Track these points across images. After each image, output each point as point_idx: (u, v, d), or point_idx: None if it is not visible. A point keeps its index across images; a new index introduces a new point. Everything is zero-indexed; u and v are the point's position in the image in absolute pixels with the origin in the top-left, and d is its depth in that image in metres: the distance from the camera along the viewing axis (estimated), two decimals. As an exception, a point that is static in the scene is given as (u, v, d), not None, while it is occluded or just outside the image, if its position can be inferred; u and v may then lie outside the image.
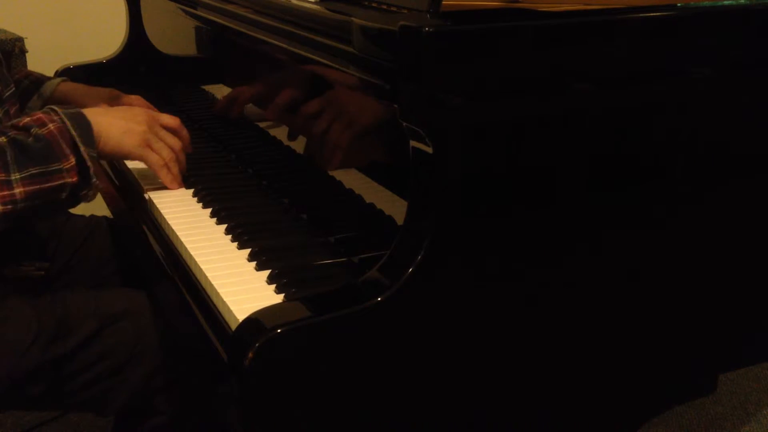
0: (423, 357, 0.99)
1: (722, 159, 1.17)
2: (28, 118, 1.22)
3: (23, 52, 2.43)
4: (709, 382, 1.27)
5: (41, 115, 1.22)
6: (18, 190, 1.15)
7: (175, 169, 1.40)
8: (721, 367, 1.31)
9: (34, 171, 1.16)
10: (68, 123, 1.21)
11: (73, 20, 2.70)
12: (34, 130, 1.19)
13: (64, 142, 1.20)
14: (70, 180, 1.20)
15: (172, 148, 1.39)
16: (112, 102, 1.63)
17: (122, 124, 1.31)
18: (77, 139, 1.21)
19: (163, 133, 1.39)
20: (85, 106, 1.50)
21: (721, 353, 1.27)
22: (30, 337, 1.25)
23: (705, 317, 1.22)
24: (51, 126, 1.20)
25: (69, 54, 2.25)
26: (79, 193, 1.23)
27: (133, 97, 1.68)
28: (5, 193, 1.14)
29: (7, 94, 1.38)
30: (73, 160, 1.20)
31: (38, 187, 1.17)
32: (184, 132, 1.43)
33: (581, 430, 1.17)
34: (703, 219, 1.16)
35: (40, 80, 1.65)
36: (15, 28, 2.50)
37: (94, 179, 1.24)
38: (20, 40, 2.43)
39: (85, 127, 1.23)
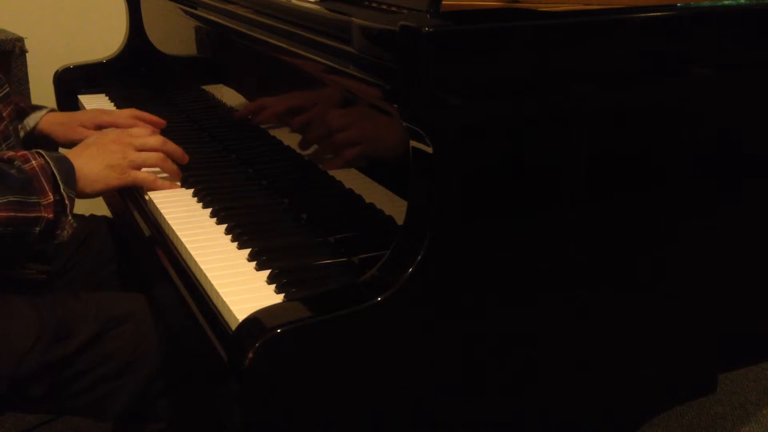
0: (423, 357, 0.99)
1: (722, 159, 1.17)
2: (13, 153, 1.24)
3: (23, 52, 2.44)
4: (709, 382, 1.27)
5: (25, 152, 1.24)
6: None
7: (169, 167, 1.42)
8: (721, 367, 1.31)
9: (12, 198, 1.17)
10: (51, 163, 1.24)
11: (73, 20, 2.70)
12: (17, 163, 1.22)
13: (45, 179, 1.22)
14: (46, 215, 1.21)
15: (156, 149, 1.41)
16: (97, 124, 1.62)
17: (101, 164, 1.34)
18: (59, 178, 1.23)
19: (140, 141, 1.41)
20: (67, 138, 1.58)
21: (721, 353, 1.27)
22: (31, 339, 1.25)
23: (705, 317, 1.21)
24: (34, 163, 1.22)
25: (69, 54, 2.26)
26: (54, 232, 1.24)
27: (124, 111, 1.64)
28: None
29: (1, 94, 1.39)
30: (51, 198, 1.21)
31: (14, 214, 1.17)
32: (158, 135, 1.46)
33: (581, 430, 1.17)
34: (703, 219, 1.16)
35: (24, 112, 1.63)
36: (15, 28, 2.50)
37: (70, 218, 1.25)
38: (20, 40, 2.43)
39: (68, 168, 1.25)
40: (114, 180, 1.36)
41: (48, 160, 1.24)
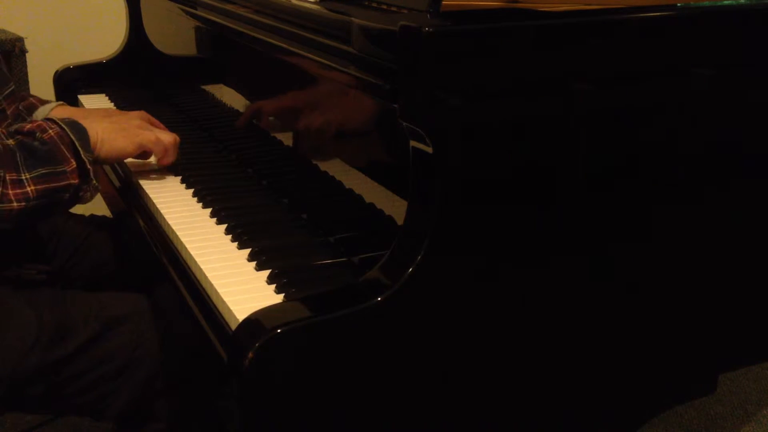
0: (423, 357, 0.99)
1: (721, 159, 1.17)
2: (30, 125, 1.27)
3: (23, 52, 2.44)
4: (709, 382, 1.27)
5: (41, 122, 1.28)
6: (30, 189, 1.20)
7: (173, 151, 1.46)
8: (721, 367, 1.31)
9: (43, 171, 1.22)
10: (67, 129, 1.27)
11: (73, 20, 2.70)
12: (38, 135, 1.25)
13: (64, 146, 1.25)
14: (73, 182, 1.25)
15: (168, 136, 1.46)
16: None
17: (114, 127, 1.38)
18: (77, 144, 1.26)
19: (157, 130, 1.46)
20: None
21: (721, 353, 1.27)
22: (30, 340, 1.25)
23: (705, 317, 1.21)
24: (51, 132, 1.26)
25: (69, 54, 2.26)
26: (78, 194, 1.28)
27: (135, 113, 1.65)
28: (18, 191, 1.19)
29: (6, 93, 1.39)
30: (74, 164, 1.25)
31: (47, 186, 1.22)
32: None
33: (581, 430, 1.17)
34: (703, 219, 1.16)
35: (33, 106, 1.65)
36: (15, 28, 2.50)
37: (94, 180, 1.29)
38: (20, 40, 2.43)
39: (82, 133, 1.28)
40: (122, 143, 1.38)
41: (63, 126, 1.27)
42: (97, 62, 2.06)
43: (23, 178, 1.19)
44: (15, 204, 1.18)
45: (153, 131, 1.44)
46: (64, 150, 1.24)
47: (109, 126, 1.37)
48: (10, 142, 1.22)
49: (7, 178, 1.18)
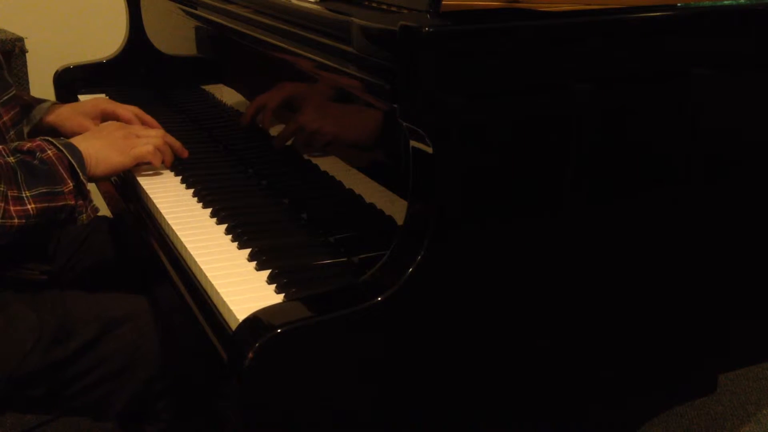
0: (423, 357, 0.99)
1: (721, 158, 1.17)
2: (30, 144, 1.28)
3: (23, 52, 2.44)
4: (709, 382, 1.27)
5: (40, 142, 1.29)
6: (30, 207, 1.21)
7: (168, 151, 1.47)
8: (721, 367, 1.31)
9: (43, 190, 1.23)
10: (65, 151, 1.29)
11: (73, 20, 2.70)
12: (38, 155, 1.27)
13: (62, 167, 1.27)
14: (70, 202, 1.27)
15: (156, 137, 1.47)
16: (104, 116, 1.64)
17: (107, 145, 1.39)
18: (75, 166, 1.28)
19: (143, 132, 1.48)
20: (73, 128, 1.60)
21: (721, 353, 1.27)
22: (31, 341, 1.26)
23: (705, 317, 1.21)
24: (50, 152, 1.27)
25: (69, 54, 2.26)
26: (74, 215, 1.29)
27: (130, 107, 1.65)
28: (19, 208, 1.20)
29: (5, 98, 1.39)
30: (71, 185, 1.27)
31: (46, 205, 1.23)
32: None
33: (582, 429, 1.17)
34: (702, 219, 1.16)
35: (29, 105, 1.65)
36: (15, 28, 2.50)
37: (92, 203, 1.31)
38: (20, 40, 2.43)
39: (78, 156, 1.30)
40: (117, 158, 1.39)
41: (61, 148, 1.28)
42: (97, 62, 2.06)
43: (24, 195, 1.21)
44: (16, 220, 1.20)
45: (142, 138, 1.45)
46: (62, 171, 1.26)
47: (100, 144, 1.38)
48: (11, 159, 1.23)
49: (9, 194, 1.19)
